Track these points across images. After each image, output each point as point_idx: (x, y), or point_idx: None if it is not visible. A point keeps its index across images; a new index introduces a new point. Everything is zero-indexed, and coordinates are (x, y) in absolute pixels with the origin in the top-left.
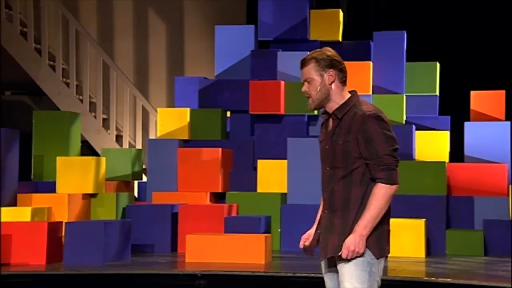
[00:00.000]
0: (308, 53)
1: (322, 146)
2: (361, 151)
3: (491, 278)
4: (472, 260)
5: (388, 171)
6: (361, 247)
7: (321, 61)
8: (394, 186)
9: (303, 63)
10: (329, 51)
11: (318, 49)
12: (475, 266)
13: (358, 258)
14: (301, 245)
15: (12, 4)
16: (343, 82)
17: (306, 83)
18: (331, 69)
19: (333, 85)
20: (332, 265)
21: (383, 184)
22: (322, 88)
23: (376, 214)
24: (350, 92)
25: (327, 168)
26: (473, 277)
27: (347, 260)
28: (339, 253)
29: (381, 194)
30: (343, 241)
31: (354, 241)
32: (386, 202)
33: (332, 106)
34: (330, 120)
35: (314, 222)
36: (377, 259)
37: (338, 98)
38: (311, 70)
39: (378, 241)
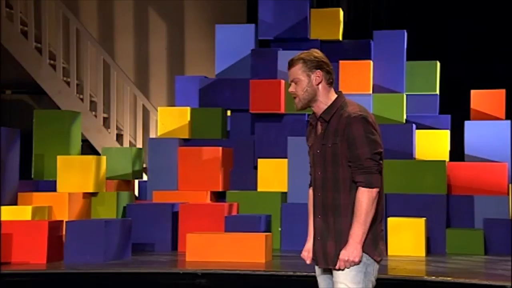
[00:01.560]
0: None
1: (313, 150)
2: (346, 153)
3: (491, 276)
4: (472, 259)
5: (367, 174)
6: (356, 256)
7: (309, 62)
8: (374, 190)
9: (291, 64)
10: (317, 53)
11: (306, 51)
12: (475, 265)
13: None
14: (309, 261)
15: (12, 3)
16: (330, 83)
17: (293, 84)
18: (318, 70)
19: (320, 86)
20: (329, 272)
21: (363, 188)
22: (309, 88)
23: (363, 220)
24: (336, 93)
25: (319, 173)
26: (473, 276)
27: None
28: (337, 267)
29: (363, 199)
30: (340, 249)
31: (348, 252)
32: (369, 206)
33: (319, 106)
34: (319, 124)
35: (307, 234)
36: (378, 262)
37: (325, 99)
38: (298, 71)
39: (374, 244)
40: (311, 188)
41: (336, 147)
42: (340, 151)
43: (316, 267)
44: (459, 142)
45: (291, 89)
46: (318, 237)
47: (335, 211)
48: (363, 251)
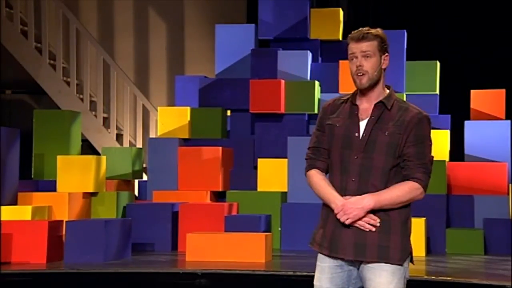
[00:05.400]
0: (364, 28)
1: (344, 132)
2: (404, 149)
3: (491, 276)
4: (472, 259)
5: (427, 176)
6: (356, 215)
7: (383, 43)
8: (423, 195)
9: (365, 37)
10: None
11: (375, 29)
12: (475, 264)
13: (398, 267)
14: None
15: (12, 3)
16: None
17: (363, 58)
18: (387, 54)
19: (383, 72)
20: (351, 266)
21: (418, 185)
22: (378, 70)
23: (394, 202)
24: (386, 85)
25: (355, 157)
26: (473, 275)
27: (386, 269)
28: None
29: (409, 190)
30: (385, 243)
31: (355, 205)
32: (408, 200)
33: (377, 92)
34: (365, 108)
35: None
36: (411, 262)
37: (383, 86)
38: (374, 47)
39: (411, 249)
40: (317, 171)
41: (398, 137)
42: (399, 143)
43: (328, 263)
44: (459, 142)
45: (360, 63)
46: (351, 225)
47: None
48: (410, 251)
